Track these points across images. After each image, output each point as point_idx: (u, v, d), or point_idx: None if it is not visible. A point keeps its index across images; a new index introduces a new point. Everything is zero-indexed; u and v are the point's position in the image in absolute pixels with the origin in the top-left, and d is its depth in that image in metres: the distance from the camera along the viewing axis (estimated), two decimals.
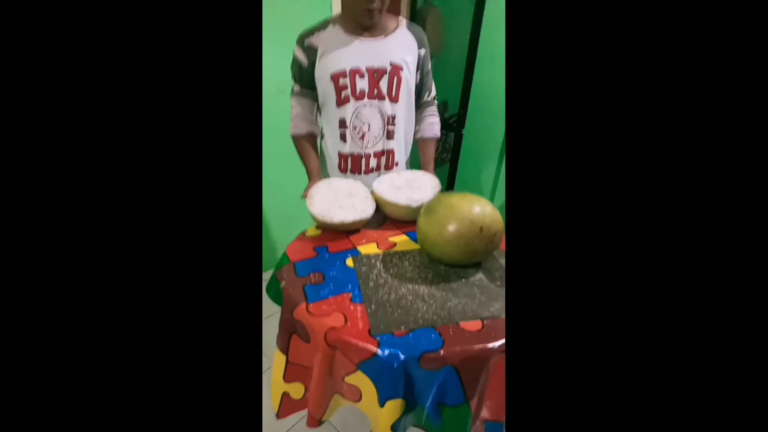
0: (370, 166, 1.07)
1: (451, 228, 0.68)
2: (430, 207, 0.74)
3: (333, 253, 0.80)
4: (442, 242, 0.70)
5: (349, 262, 0.76)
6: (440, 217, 0.70)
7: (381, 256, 0.78)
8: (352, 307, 0.62)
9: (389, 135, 1.05)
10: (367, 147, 1.04)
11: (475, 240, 0.68)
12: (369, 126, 1.01)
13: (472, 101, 2.13)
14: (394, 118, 1.02)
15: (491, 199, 2.44)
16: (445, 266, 0.75)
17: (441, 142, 2.63)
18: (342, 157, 1.05)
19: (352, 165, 1.06)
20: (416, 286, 0.68)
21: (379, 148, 1.06)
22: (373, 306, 0.62)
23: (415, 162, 1.20)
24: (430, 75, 1.09)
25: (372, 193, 0.94)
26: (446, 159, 2.56)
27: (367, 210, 0.87)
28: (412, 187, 0.95)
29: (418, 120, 1.13)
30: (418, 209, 0.87)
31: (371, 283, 0.68)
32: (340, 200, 0.88)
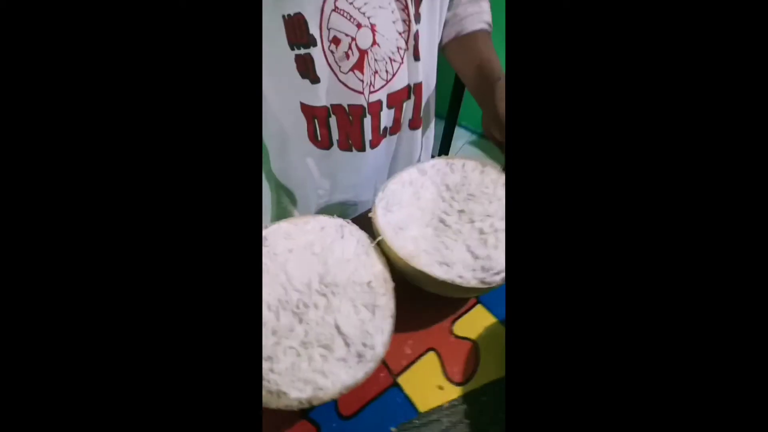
0: (382, 126, 0.50)
1: None
2: None
3: (349, 418, 0.34)
4: None
5: None
6: None
7: (463, 416, 0.34)
8: None
9: (416, 51, 0.46)
10: (374, 84, 0.46)
11: None
12: (372, 34, 0.43)
13: None
14: (419, 3, 0.44)
15: None
16: None
17: None
18: (313, 114, 0.46)
19: (341, 132, 0.48)
20: None
21: (400, 83, 0.47)
22: None
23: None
24: None
25: (381, 244, 0.37)
26: None
27: (374, 352, 0.32)
28: (474, 214, 0.40)
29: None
30: (490, 286, 0.36)
31: None
32: (293, 336, 0.32)
